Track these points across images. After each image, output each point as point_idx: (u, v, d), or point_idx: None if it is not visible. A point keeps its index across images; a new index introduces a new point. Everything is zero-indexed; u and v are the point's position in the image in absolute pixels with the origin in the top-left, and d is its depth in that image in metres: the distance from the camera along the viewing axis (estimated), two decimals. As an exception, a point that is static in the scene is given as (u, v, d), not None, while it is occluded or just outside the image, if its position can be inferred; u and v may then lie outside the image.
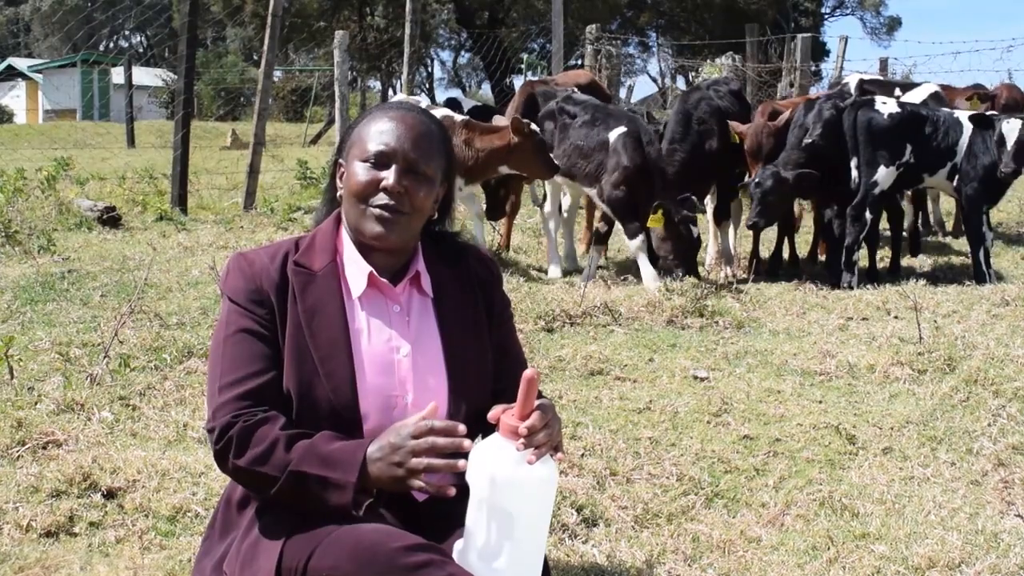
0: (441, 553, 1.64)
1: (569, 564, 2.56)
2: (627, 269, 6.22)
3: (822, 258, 6.71)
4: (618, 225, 5.82)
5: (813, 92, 10.33)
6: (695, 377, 4.06)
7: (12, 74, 32.28)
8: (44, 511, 2.65)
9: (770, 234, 6.65)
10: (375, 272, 1.82)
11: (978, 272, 5.99)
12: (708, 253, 6.62)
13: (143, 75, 28.62)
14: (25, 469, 2.90)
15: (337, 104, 9.81)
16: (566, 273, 6.13)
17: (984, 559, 2.57)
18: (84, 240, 6.52)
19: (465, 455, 1.65)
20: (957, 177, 6.08)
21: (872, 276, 6.16)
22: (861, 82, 7.68)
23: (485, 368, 1.88)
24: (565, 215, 6.52)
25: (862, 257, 6.13)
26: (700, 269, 6.08)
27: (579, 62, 13.39)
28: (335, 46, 9.88)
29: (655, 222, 5.57)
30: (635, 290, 5.50)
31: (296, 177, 9.60)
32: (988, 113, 6.21)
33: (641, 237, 5.67)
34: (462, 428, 1.66)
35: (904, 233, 6.80)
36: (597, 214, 7.18)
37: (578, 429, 3.39)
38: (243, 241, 6.50)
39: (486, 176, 5.95)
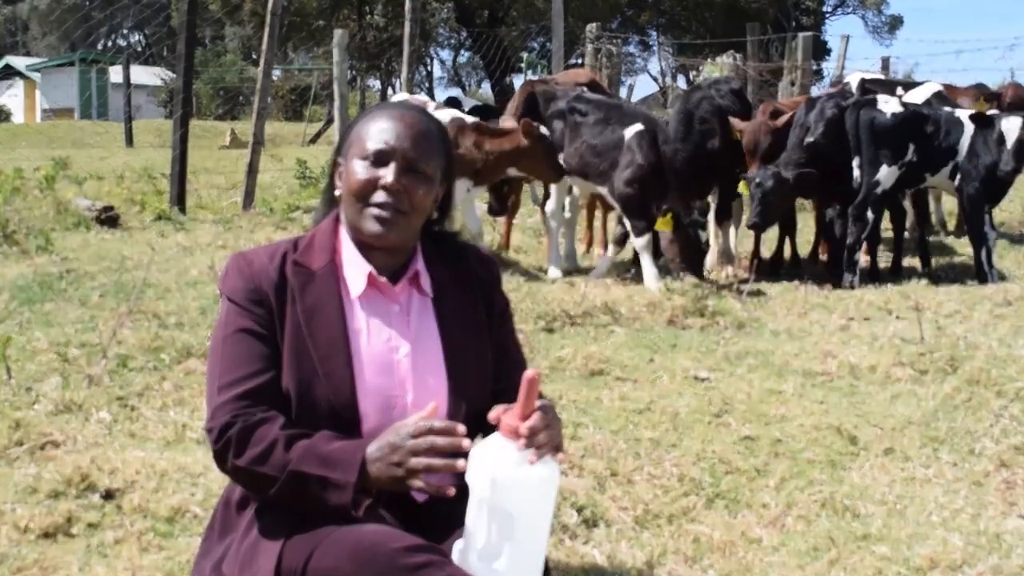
0: (441, 554, 1.64)
1: (569, 565, 2.55)
2: (627, 269, 6.21)
3: (823, 258, 6.70)
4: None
5: (815, 92, 10.34)
6: (696, 377, 4.05)
7: (10, 73, 32.26)
8: (42, 512, 2.64)
9: (771, 234, 6.64)
10: (374, 272, 1.82)
11: (980, 272, 5.98)
12: (709, 253, 6.61)
13: (141, 74, 28.61)
14: (23, 470, 2.89)
15: (336, 103, 9.80)
16: (566, 273, 6.12)
17: (986, 560, 2.57)
18: (82, 240, 6.51)
19: (465, 455, 1.64)
20: (958, 176, 6.07)
21: (874, 276, 6.16)
22: (863, 81, 7.67)
23: (485, 368, 1.87)
24: (568, 215, 6.52)
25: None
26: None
27: (579, 61, 13.38)
28: (334, 45, 9.87)
29: (664, 225, 5.56)
30: (636, 290, 5.50)
31: (295, 176, 9.59)
32: (989, 112, 6.20)
33: (647, 236, 5.67)
34: (461, 428, 1.65)
35: (906, 234, 6.80)
36: (599, 214, 7.19)
37: (578, 430, 3.38)
38: (242, 241, 6.49)
39: (495, 178, 5.97)
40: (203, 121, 22.75)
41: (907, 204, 7.02)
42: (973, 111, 6.27)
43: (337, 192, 1.87)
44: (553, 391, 3.74)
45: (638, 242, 5.72)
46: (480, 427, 1.75)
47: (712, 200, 6.55)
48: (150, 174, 9.10)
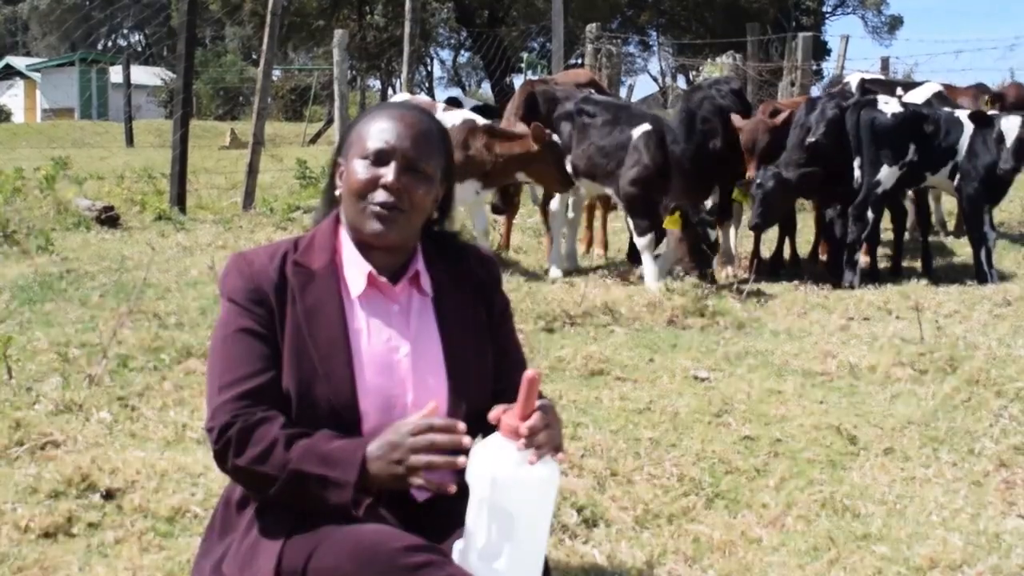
0: (441, 553, 1.64)
1: (569, 565, 2.55)
2: (628, 268, 6.21)
3: (823, 258, 6.71)
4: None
5: (814, 92, 10.33)
6: (696, 377, 4.05)
7: (10, 73, 32.29)
8: (42, 512, 2.64)
9: (771, 234, 6.65)
10: (374, 272, 1.82)
11: (980, 272, 5.98)
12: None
13: (141, 74, 28.64)
14: (23, 470, 2.89)
15: (336, 103, 9.81)
16: (567, 273, 6.13)
17: (986, 560, 2.57)
18: (82, 240, 6.51)
19: (465, 453, 1.64)
20: (958, 176, 6.08)
21: (873, 276, 6.16)
22: (863, 81, 7.67)
23: (485, 368, 1.87)
24: (571, 215, 6.52)
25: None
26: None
27: (579, 61, 13.38)
28: (334, 45, 9.87)
29: (672, 223, 5.55)
30: (635, 290, 5.50)
31: (295, 176, 9.59)
32: (989, 112, 6.21)
33: (649, 236, 5.68)
34: (462, 426, 1.66)
35: (906, 235, 6.81)
36: (598, 214, 7.19)
37: (578, 429, 3.38)
38: (242, 241, 6.49)
39: (504, 181, 5.99)
40: (203, 121, 22.75)
41: (908, 204, 7.03)
42: (973, 110, 6.27)
43: (337, 192, 1.87)
44: (553, 391, 3.74)
45: (640, 241, 5.73)
46: (480, 427, 1.76)
47: (713, 200, 6.56)
48: (150, 174, 9.10)
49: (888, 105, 6.06)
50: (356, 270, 1.82)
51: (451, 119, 5.72)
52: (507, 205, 6.59)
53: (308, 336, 1.76)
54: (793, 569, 2.57)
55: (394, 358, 1.79)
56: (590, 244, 7.22)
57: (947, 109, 6.40)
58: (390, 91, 26.47)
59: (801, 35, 11.26)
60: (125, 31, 41.72)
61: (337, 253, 1.84)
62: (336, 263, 1.83)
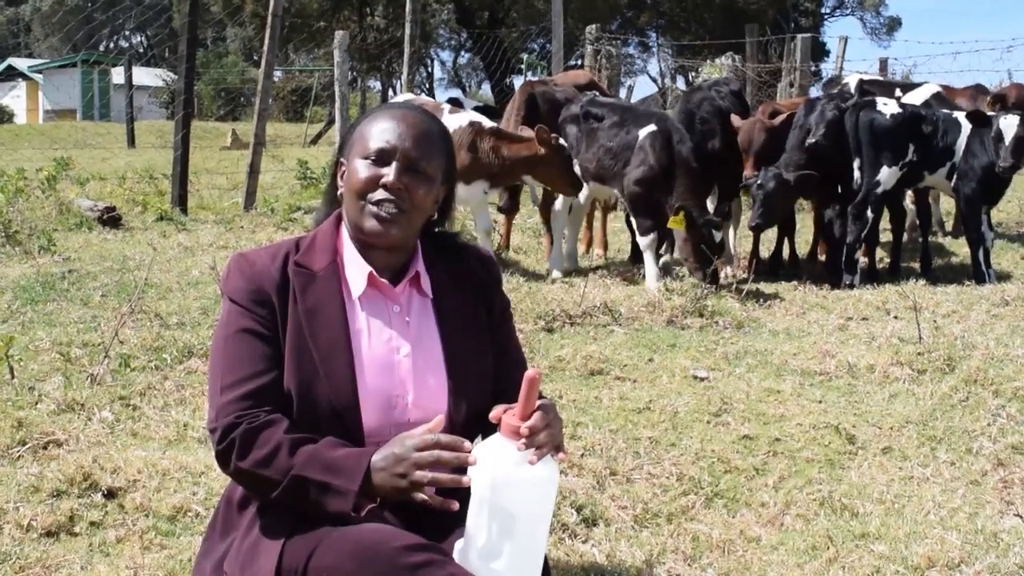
0: (442, 553, 1.64)
1: (569, 563, 2.56)
2: (628, 268, 6.22)
3: (821, 258, 6.72)
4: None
5: (813, 92, 10.34)
6: (695, 377, 4.07)
7: (12, 74, 32.29)
8: (45, 511, 2.65)
9: (770, 234, 6.66)
10: (375, 272, 1.83)
11: (978, 272, 6.00)
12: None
13: (143, 75, 28.63)
14: (26, 469, 2.90)
15: (337, 104, 9.82)
16: (567, 273, 6.14)
17: (983, 559, 2.58)
18: (84, 240, 6.53)
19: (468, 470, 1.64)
20: (955, 177, 6.09)
21: (872, 276, 6.18)
22: (861, 82, 7.69)
23: (485, 368, 1.88)
24: (573, 215, 6.53)
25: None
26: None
27: (579, 62, 13.38)
28: (335, 46, 9.89)
29: (676, 224, 5.55)
30: (635, 290, 5.51)
31: (296, 177, 9.60)
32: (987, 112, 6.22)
33: (651, 236, 5.69)
34: (468, 444, 1.65)
35: (904, 236, 6.82)
36: (598, 214, 7.19)
37: (578, 429, 3.40)
38: (243, 241, 6.50)
39: (511, 183, 6.03)
40: (205, 122, 22.75)
41: (907, 205, 7.03)
42: (971, 110, 6.29)
43: (339, 192, 1.87)
44: (553, 391, 3.76)
45: (642, 241, 5.74)
46: (480, 427, 1.77)
47: (712, 200, 6.57)
48: (152, 175, 9.11)
49: (887, 106, 6.08)
50: (357, 270, 1.83)
51: (458, 120, 5.74)
52: (513, 204, 6.61)
53: (309, 336, 1.76)
54: (792, 568, 2.58)
55: (394, 358, 1.80)
56: (590, 244, 7.23)
57: (945, 110, 6.41)
58: (390, 92, 26.48)
59: (800, 36, 11.26)
60: (127, 32, 41.75)
61: (338, 254, 1.85)
62: (337, 264, 1.84)
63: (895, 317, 5.12)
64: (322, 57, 26.44)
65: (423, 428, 1.68)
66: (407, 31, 10.15)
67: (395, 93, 23.55)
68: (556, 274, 6.07)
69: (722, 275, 6.17)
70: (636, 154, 5.76)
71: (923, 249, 6.57)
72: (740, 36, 12.50)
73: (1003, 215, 8.33)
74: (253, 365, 1.75)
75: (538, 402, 1.67)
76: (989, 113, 6.13)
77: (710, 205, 6.54)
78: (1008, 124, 5.79)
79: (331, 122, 16.64)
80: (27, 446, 3.08)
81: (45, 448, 3.09)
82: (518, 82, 18.53)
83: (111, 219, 7.12)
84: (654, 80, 36.67)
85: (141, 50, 40.91)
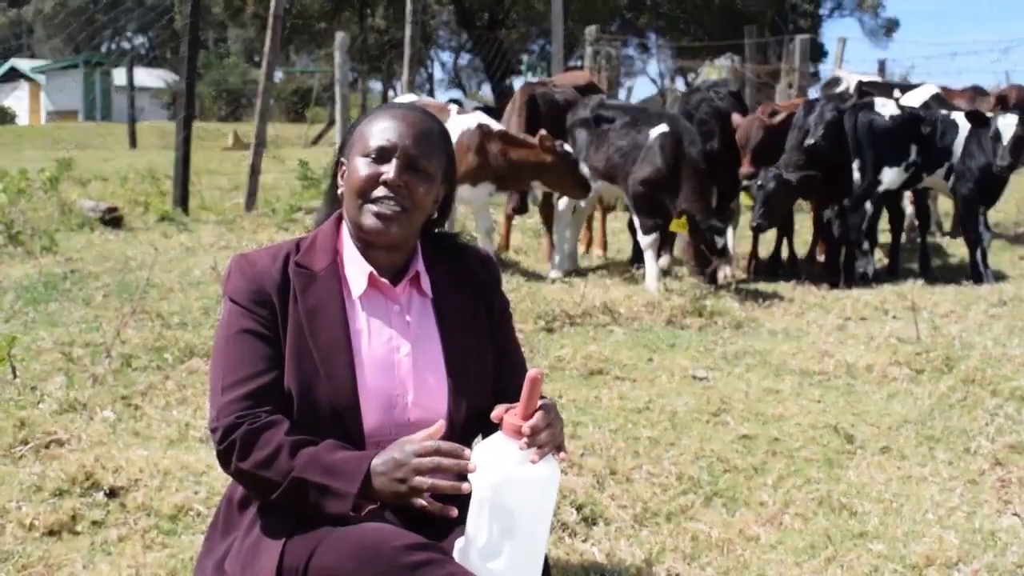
0: (442, 552, 1.64)
1: (569, 563, 2.57)
2: (627, 268, 6.23)
3: (820, 258, 6.73)
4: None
5: (811, 93, 10.35)
6: (694, 377, 4.08)
7: (15, 75, 32.32)
8: (47, 510, 2.66)
9: (769, 235, 6.67)
10: (375, 272, 1.84)
11: (975, 272, 6.01)
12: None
13: (145, 76, 28.63)
14: (28, 468, 2.91)
15: (338, 105, 9.85)
16: (567, 273, 6.15)
17: (981, 558, 2.58)
18: (86, 240, 6.55)
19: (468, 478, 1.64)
20: (953, 177, 6.11)
21: (871, 276, 6.19)
22: (859, 84, 7.70)
23: (485, 368, 1.88)
24: (574, 216, 6.55)
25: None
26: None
27: (579, 63, 13.40)
28: (336, 47, 9.92)
29: (679, 227, 5.56)
30: (635, 290, 5.52)
31: (297, 178, 9.62)
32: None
33: (653, 236, 5.71)
34: (468, 452, 1.65)
35: (903, 236, 6.84)
36: (598, 214, 7.21)
37: (578, 428, 3.41)
38: (244, 241, 6.52)
39: (518, 187, 6.05)
40: (206, 123, 22.76)
41: (906, 205, 7.05)
42: (968, 110, 6.30)
43: (340, 191, 1.88)
44: (553, 390, 3.77)
45: (644, 240, 5.76)
46: (480, 427, 1.77)
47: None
48: (153, 175, 9.14)
49: (886, 108, 6.10)
50: (357, 270, 1.83)
51: (466, 122, 5.77)
52: (523, 205, 6.66)
53: (309, 336, 1.77)
54: (790, 567, 2.59)
55: (394, 358, 1.80)
56: (590, 244, 7.25)
57: (943, 111, 6.43)
58: (391, 93, 26.49)
59: (798, 38, 11.27)
60: (129, 34, 41.74)
61: (339, 254, 1.85)
62: (338, 264, 1.84)
63: (893, 317, 5.13)
64: (323, 58, 26.48)
65: (423, 433, 1.68)
66: (408, 32, 10.16)
67: (395, 94, 23.55)
68: (556, 274, 6.09)
69: (721, 276, 6.18)
70: (645, 153, 5.78)
71: (921, 249, 6.59)
72: (739, 37, 12.53)
73: (1001, 215, 8.34)
74: (254, 365, 1.75)
75: (539, 402, 1.67)
76: (988, 113, 6.15)
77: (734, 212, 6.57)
78: (1006, 123, 5.80)
79: (332, 123, 16.66)
80: (29, 445, 3.09)
81: (47, 447, 3.10)
82: (518, 83, 18.57)
83: (113, 219, 7.15)
84: (653, 81, 36.73)
85: (143, 51, 40.91)
